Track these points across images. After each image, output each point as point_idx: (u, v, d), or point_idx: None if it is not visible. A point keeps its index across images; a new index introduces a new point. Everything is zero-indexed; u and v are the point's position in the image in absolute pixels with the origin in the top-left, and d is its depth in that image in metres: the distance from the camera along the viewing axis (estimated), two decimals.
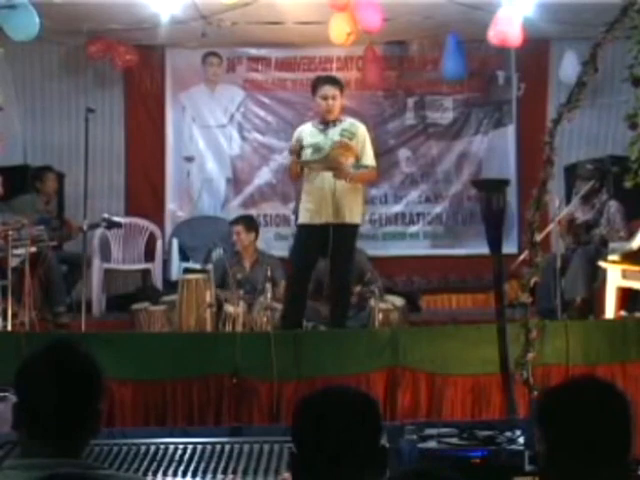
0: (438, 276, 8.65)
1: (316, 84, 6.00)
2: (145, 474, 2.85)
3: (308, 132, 5.97)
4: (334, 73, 8.45)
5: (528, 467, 3.18)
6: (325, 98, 5.87)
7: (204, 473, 2.88)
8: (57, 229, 7.20)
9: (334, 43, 7.27)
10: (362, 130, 6.02)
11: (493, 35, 6.93)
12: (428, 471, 1.77)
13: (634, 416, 1.97)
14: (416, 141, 8.77)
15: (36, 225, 6.61)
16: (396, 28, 7.56)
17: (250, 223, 7.25)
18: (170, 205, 8.69)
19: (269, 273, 6.16)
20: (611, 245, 6.43)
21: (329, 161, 5.79)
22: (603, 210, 6.92)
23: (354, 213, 5.89)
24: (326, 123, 5.93)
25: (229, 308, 6.43)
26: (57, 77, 8.44)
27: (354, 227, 5.94)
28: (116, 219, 6.91)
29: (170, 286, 7.56)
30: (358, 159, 5.90)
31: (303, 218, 5.99)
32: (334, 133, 5.89)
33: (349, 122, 6.04)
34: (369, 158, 5.95)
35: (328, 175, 5.79)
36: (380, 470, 1.95)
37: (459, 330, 5.59)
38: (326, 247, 5.82)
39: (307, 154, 5.90)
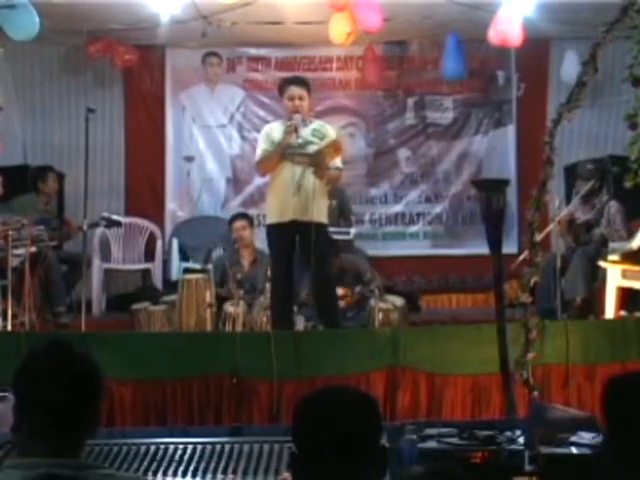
0: (438, 276, 8.66)
1: (282, 85, 6.00)
2: (145, 474, 2.85)
3: (278, 131, 5.92)
4: (334, 73, 8.50)
5: (528, 467, 3.18)
6: (291, 99, 5.86)
7: (204, 473, 2.88)
8: (57, 229, 7.20)
9: (334, 43, 7.26)
10: (332, 132, 6.02)
11: (494, 35, 6.94)
12: (443, 471, 1.77)
13: None
14: (416, 141, 8.77)
15: (36, 225, 6.61)
16: (396, 28, 7.57)
17: (250, 219, 7.30)
18: (170, 205, 8.69)
19: (269, 273, 6.16)
20: (611, 245, 6.42)
21: (317, 158, 5.74)
22: (603, 210, 6.92)
23: (321, 213, 5.86)
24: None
25: (229, 308, 6.43)
26: (57, 77, 8.44)
27: (322, 226, 5.87)
28: (116, 217, 6.91)
29: (170, 286, 7.56)
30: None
31: (271, 218, 5.97)
32: (306, 133, 5.87)
33: (319, 123, 6.04)
34: (338, 160, 5.94)
35: (294, 173, 5.73)
36: (380, 470, 1.95)
37: (459, 330, 5.58)
38: (300, 249, 5.82)
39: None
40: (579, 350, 5.15)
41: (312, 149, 5.81)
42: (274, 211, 5.92)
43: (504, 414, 4.53)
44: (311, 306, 6.55)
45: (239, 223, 7.16)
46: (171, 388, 5.01)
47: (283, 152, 5.80)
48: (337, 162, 5.93)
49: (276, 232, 5.91)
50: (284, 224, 5.80)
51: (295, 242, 5.85)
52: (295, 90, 5.87)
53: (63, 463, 1.96)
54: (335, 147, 5.82)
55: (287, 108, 5.91)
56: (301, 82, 5.99)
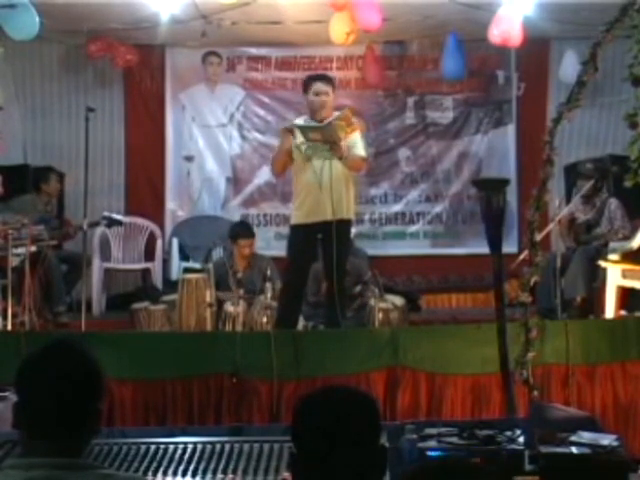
0: (438, 276, 8.66)
1: (308, 82, 5.98)
2: (145, 474, 2.85)
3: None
4: (334, 73, 8.47)
5: (528, 467, 3.18)
6: (318, 94, 5.84)
7: (204, 473, 2.88)
8: (57, 228, 7.20)
9: (334, 43, 7.28)
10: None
11: (496, 34, 6.93)
12: (452, 464, 1.75)
13: None
14: (416, 140, 8.77)
15: (36, 225, 6.61)
16: (396, 28, 7.58)
17: (250, 231, 7.17)
18: (170, 204, 8.70)
19: (269, 272, 6.15)
20: (611, 244, 6.42)
21: (329, 132, 5.65)
22: (604, 209, 6.92)
23: (350, 208, 5.86)
24: (320, 120, 5.88)
25: (229, 307, 6.43)
26: (57, 76, 8.45)
27: (348, 223, 5.90)
28: (116, 216, 6.92)
29: (170, 286, 7.57)
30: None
31: (296, 218, 5.94)
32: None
33: (339, 115, 5.98)
34: (360, 149, 5.91)
35: (317, 170, 5.70)
36: (380, 470, 1.95)
37: (459, 329, 5.58)
38: (321, 245, 5.80)
39: (302, 149, 5.84)
40: (579, 350, 5.15)
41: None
42: (301, 212, 5.87)
43: (504, 414, 4.52)
44: (313, 306, 6.56)
45: (244, 242, 6.95)
46: (171, 388, 5.01)
47: (303, 152, 5.76)
48: (360, 151, 5.87)
49: (301, 233, 5.87)
50: (310, 225, 5.78)
51: (317, 244, 5.83)
52: (322, 86, 5.86)
53: (63, 463, 1.96)
54: (346, 119, 5.76)
55: (311, 104, 5.87)
56: (327, 79, 5.98)
